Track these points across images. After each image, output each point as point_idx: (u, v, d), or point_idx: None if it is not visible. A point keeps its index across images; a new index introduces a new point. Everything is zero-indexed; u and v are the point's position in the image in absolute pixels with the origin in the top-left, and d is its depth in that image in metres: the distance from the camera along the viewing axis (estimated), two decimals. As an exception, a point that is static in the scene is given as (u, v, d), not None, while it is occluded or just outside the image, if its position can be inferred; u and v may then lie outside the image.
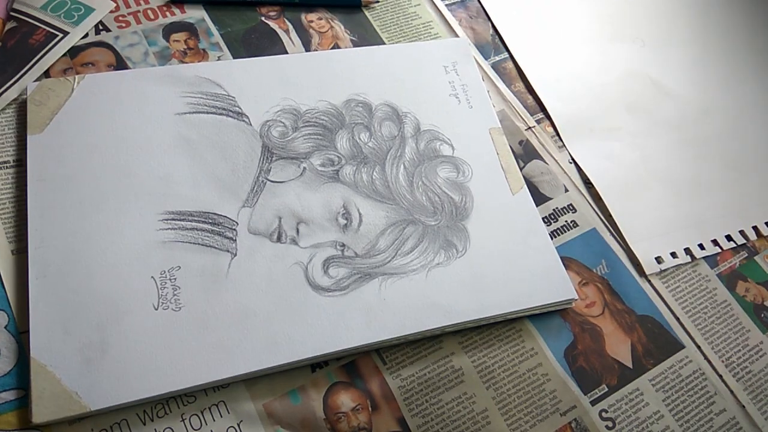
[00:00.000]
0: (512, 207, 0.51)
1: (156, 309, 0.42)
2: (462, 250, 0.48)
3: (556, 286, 0.47)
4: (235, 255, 0.45)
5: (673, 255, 0.52)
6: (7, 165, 0.48)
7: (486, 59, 0.61)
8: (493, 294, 0.46)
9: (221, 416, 0.40)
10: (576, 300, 0.48)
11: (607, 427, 0.44)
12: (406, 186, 0.50)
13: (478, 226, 0.49)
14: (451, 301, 0.45)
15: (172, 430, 0.40)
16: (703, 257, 0.52)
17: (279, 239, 0.46)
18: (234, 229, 0.46)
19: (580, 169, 0.56)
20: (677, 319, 0.49)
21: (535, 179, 0.54)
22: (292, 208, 0.48)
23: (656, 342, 0.48)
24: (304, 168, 0.50)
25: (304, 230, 0.47)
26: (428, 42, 0.61)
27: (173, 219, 0.46)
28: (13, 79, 0.51)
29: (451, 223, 0.49)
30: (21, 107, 0.50)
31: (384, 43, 0.60)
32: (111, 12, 0.57)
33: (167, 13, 0.58)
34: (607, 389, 0.45)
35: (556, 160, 0.56)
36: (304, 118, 0.52)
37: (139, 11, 0.57)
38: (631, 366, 0.46)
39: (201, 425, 0.40)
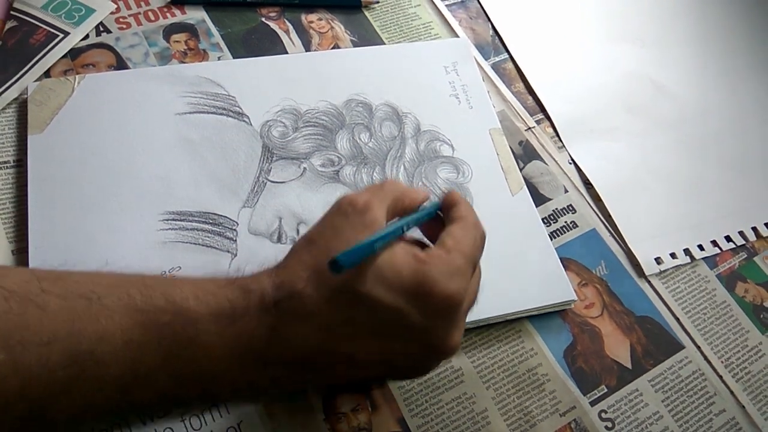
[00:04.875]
0: (512, 208, 0.51)
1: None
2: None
3: (556, 287, 0.47)
4: (236, 255, 0.45)
5: (673, 256, 0.52)
6: (8, 165, 0.48)
7: (486, 60, 0.61)
8: (492, 297, 0.46)
9: (221, 416, 0.40)
10: (575, 301, 0.48)
11: (606, 427, 0.44)
12: (407, 187, 0.50)
13: (477, 227, 0.49)
14: None
15: (172, 430, 0.40)
16: (703, 258, 0.52)
17: (279, 240, 0.47)
18: (234, 230, 0.46)
19: (580, 169, 0.56)
20: (677, 319, 0.49)
21: (535, 180, 0.54)
22: (292, 208, 0.48)
23: (656, 343, 0.48)
24: (305, 168, 0.50)
25: (304, 231, 0.47)
26: (429, 42, 0.61)
27: (174, 219, 0.46)
28: (14, 79, 0.51)
29: (450, 225, 0.49)
30: (21, 107, 0.50)
31: (384, 44, 0.60)
32: (112, 13, 0.57)
33: (168, 15, 0.58)
34: (606, 390, 0.45)
35: (555, 161, 0.56)
36: (305, 118, 0.53)
37: (139, 13, 0.57)
38: (630, 367, 0.46)
39: (201, 425, 0.40)
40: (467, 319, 0.44)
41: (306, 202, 0.48)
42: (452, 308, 0.33)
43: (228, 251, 0.45)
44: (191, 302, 0.32)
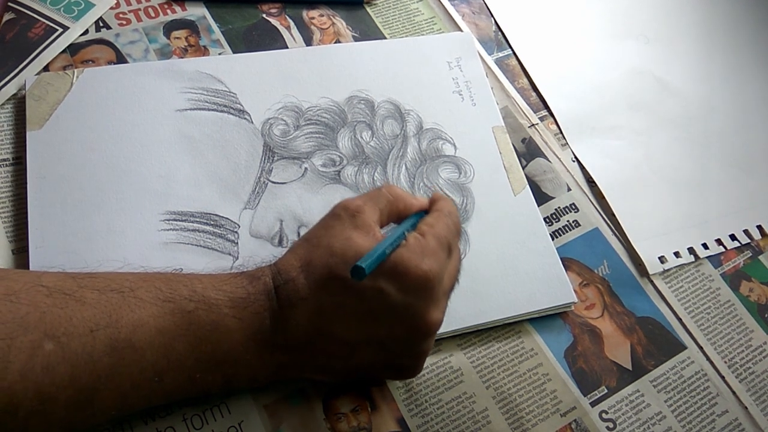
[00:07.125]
0: (513, 208, 0.50)
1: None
2: (461, 255, 0.47)
3: (556, 289, 0.47)
4: (237, 258, 0.45)
5: (677, 254, 0.51)
6: (7, 163, 0.47)
7: (489, 55, 0.60)
8: (492, 299, 0.46)
9: (222, 416, 0.40)
10: (575, 303, 0.47)
11: (607, 428, 0.44)
12: (408, 188, 0.50)
13: (478, 228, 0.49)
14: (449, 307, 0.45)
15: (173, 429, 0.40)
16: (707, 257, 0.52)
17: (280, 243, 0.46)
18: (236, 232, 0.46)
19: (583, 167, 0.55)
20: (679, 319, 0.49)
21: (538, 178, 0.54)
22: (293, 210, 0.48)
23: (657, 343, 0.47)
24: (306, 168, 0.50)
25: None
26: (432, 36, 0.60)
27: (175, 219, 0.46)
28: (12, 74, 0.51)
29: (451, 226, 0.49)
30: (20, 103, 0.50)
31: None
32: (111, 9, 0.56)
33: (168, 11, 0.57)
34: (606, 390, 0.45)
35: (559, 158, 0.55)
36: (306, 115, 0.52)
37: (140, 9, 0.57)
38: (630, 368, 0.46)
39: (202, 425, 0.40)
40: (465, 325, 0.45)
41: (307, 203, 0.48)
42: (427, 285, 0.36)
43: (229, 254, 0.45)
44: (211, 292, 0.36)
